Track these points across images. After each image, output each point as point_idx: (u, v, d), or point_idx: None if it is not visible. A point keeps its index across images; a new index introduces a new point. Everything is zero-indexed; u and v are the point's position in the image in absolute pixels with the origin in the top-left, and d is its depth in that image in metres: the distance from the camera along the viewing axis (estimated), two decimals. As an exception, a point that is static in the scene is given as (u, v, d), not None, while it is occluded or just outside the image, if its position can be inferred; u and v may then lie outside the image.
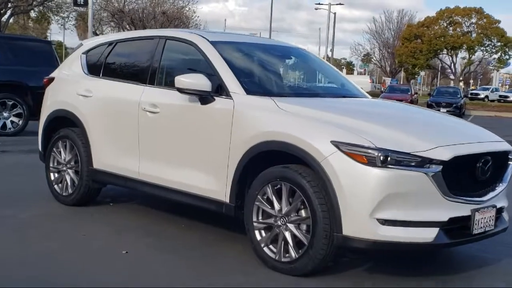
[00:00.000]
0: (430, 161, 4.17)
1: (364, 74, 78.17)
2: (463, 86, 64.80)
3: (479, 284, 4.68)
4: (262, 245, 4.65)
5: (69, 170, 6.35)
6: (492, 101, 56.53)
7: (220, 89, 5.06)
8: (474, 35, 62.15)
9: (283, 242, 4.52)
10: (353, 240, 4.19)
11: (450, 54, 65.44)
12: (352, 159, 4.16)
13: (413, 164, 4.15)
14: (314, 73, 6.65)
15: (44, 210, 6.17)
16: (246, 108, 4.85)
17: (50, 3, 41.28)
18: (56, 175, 6.50)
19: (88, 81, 6.27)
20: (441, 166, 4.18)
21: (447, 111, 29.17)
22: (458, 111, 31.83)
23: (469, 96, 54.87)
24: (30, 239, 5.16)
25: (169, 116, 5.38)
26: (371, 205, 4.10)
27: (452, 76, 68.58)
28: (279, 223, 4.55)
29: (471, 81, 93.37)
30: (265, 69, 5.80)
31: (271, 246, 4.62)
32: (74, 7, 35.35)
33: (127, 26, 40.80)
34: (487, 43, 62.51)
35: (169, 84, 5.50)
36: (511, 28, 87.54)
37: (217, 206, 4.99)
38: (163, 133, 5.43)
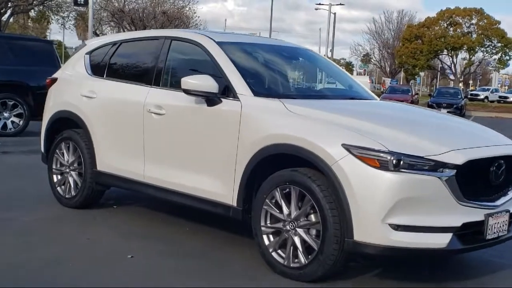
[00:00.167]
0: (444, 165, 4.08)
1: (364, 74, 78.08)
2: (462, 87, 64.69)
3: (492, 290, 4.61)
4: (270, 250, 4.56)
5: (72, 172, 6.26)
6: (492, 102, 56.52)
7: (227, 91, 4.97)
8: (474, 35, 62.08)
9: (292, 247, 4.43)
10: (364, 246, 4.10)
11: (450, 54, 65.37)
12: (363, 163, 4.07)
13: (426, 168, 4.06)
14: (320, 74, 6.56)
15: (47, 213, 6.07)
16: (254, 110, 4.76)
17: (50, 2, 41.18)
18: (59, 177, 6.40)
19: (92, 82, 6.17)
20: (455, 170, 4.09)
21: (448, 112, 29.08)
22: (459, 112, 31.74)
23: (469, 97, 54.80)
24: (35, 244, 5.06)
25: (174, 118, 5.29)
26: (383, 210, 4.01)
27: (452, 77, 68.47)
28: (288, 227, 4.46)
29: (471, 82, 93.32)
30: (272, 70, 5.71)
31: (279, 251, 4.53)
32: (74, 7, 35.31)
33: (127, 26, 40.69)
34: (488, 43, 62.46)
35: (175, 85, 5.42)
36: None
37: (224, 209, 4.90)
38: (169, 135, 5.33)
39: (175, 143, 5.29)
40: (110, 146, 5.85)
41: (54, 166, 6.44)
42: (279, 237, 4.52)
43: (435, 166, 4.07)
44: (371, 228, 4.06)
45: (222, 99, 4.94)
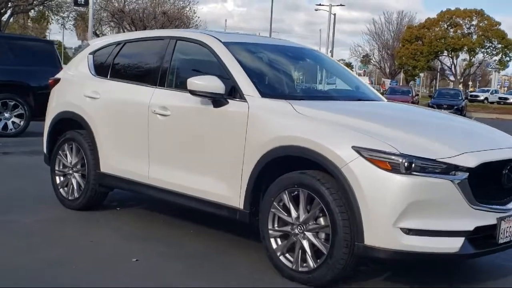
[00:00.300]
0: (456, 168, 4.01)
1: (363, 75, 78.01)
2: (462, 88, 64.63)
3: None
4: (278, 253, 4.48)
5: (75, 174, 6.17)
6: (492, 103, 56.48)
7: (233, 92, 4.89)
8: (474, 37, 62.05)
9: (300, 251, 4.35)
10: (375, 250, 4.01)
11: (450, 56, 65.33)
12: (374, 166, 3.99)
13: (438, 171, 3.99)
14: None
15: (50, 215, 6.00)
16: (262, 111, 4.69)
17: (50, 2, 41.09)
18: (62, 178, 6.32)
19: (96, 82, 6.09)
20: (467, 173, 4.02)
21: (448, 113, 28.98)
22: (460, 113, 31.64)
23: (469, 98, 54.77)
24: (36, 246, 4.98)
25: (180, 119, 5.22)
26: (394, 213, 3.93)
27: (452, 78, 68.41)
28: (296, 231, 4.38)
29: (470, 83, 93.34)
30: (279, 71, 5.64)
31: (287, 255, 4.46)
32: (74, 7, 35.25)
33: (127, 26, 40.59)
34: (488, 45, 62.44)
35: (180, 86, 5.34)
36: None
37: (231, 212, 4.82)
38: (174, 136, 5.26)
39: (180, 144, 5.22)
40: (114, 147, 5.77)
41: (56, 168, 6.35)
42: (287, 241, 4.45)
43: (447, 169, 3.99)
44: (382, 232, 3.98)
45: (229, 100, 4.86)
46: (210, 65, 5.30)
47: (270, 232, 4.53)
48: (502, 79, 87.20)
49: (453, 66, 66.91)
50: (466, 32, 62.60)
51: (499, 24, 61.23)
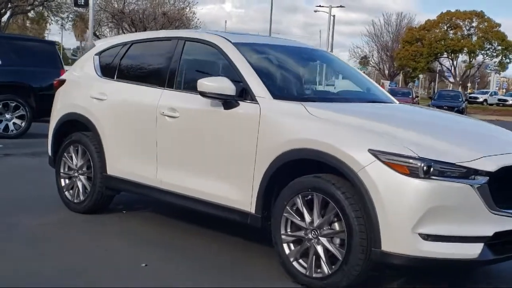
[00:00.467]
0: (476, 172, 3.91)
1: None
2: (460, 90, 64.61)
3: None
4: (291, 259, 4.38)
5: (81, 176, 6.07)
6: (491, 105, 56.49)
7: (244, 93, 4.79)
8: (474, 38, 62.01)
9: (314, 257, 4.25)
10: (392, 256, 3.92)
11: (450, 57, 65.29)
12: (392, 170, 3.89)
13: (457, 175, 3.89)
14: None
15: (55, 218, 5.90)
16: (274, 114, 4.59)
17: (50, 3, 40.96)
18: (67, 181, 6.21)
19: (102, 84, 5.99)
20: (487, 178, 3.92)
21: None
22: (460, 115, 31.56)
23: (468, 99, 54.74)
24: (46, 252, 4.87)
25: (189, 121, 5.12)
26: (413, 219, 3.83)
27: (452, 79, 68.34)
28: (310, 236, 4.28)
29: (469, 85, 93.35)
30: (290, 72, 5.55)
31: (301, 261, 4.36)
32: (74, 8, 35.13)
33: (127, 27, 40.48)
34: (488, 46, 62.41)
35: (189, 87, 5.25)
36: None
37: (242, 216, 4.72)
38: (183, 139, 5.16)
39: (189, 147, 5.12)
40: (121, 150, 5.67)
41: (62, 170, 6.25)
42: (300, 246, 4.35)
43: (466, 173, 3.90)
44: (399, 237, 3.88)
45: (240, 102, 4.77)
46: (220, 66, 5.23)
47: (283, 237, 4.44)
48: (501, 80, 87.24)
49: (452, 67, 66.86)
50: (466, 34, 62.55)
51: (499, 25, 61.21)
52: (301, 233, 4.34)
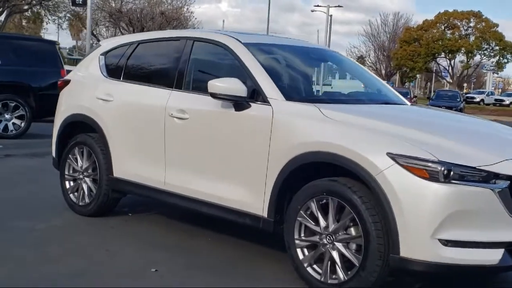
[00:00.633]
0: (496, 176, 3.82)
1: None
2: (457, 89, 64.61)
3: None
4: (305, 264, 4.29)
5: (86, 179, 5.96)
6: (488, 104, 56.49)
7: (255, 95, 4.69)
8: (472, 38, 62.02)
9: (329, 262, 4.16)
10: (411, 262, 3.82)
11: (448, 57, 65.29)
12: (411, 173, 3.79)
13: (477, 179, 3.80)
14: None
15: (60, 221, 5.79)
16: (287, 116, 4.49)
17: (47, 2, 40.76)
18: (72, 183, 6.11)
19: (108, 84, 5.87)
20: (508, 182, 3.83)
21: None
22: (459, 115, 31.53)
23: (465, 99, 54.73)
24: (53, 256, 4.77)
25: (199, 123, 5.02)
26: (433, 224, 3.74)
27: (449, 79, 68.36)
28: (325, 241, 4.18)
29: (465, 85, 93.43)
30: (302, 73, 5.44)
31: (315, 266, 4.26)
32: (72, 7, 34.95)
33: (125, 26, 40.31)
34: (485, 47, 62.44)
35: (198, 88, 5.15)
36: (510, 32, 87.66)
37: (253, 220, 4.62)
38: (193, 141, 5.06)
39: (199, 149, 5.01)
40: (128, 152, 5.56)
41: (66, 172, 6.14)
42: (315, 251, 4.25)
43: (487, 177, 3.81)
44: (419, 243, 3.78)
45: (251, 104, 4.67)
46: (229, 66, 5.12)
47: (297, 242, 4.34)
48: (497, 80, 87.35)
49: (450, 68, 66.87)
50: (463, 34, 62.56)
51: (497, 26, 61.24)
52: (316, 238, 4.24)
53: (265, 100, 4.63)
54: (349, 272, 4.06)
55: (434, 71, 75.38)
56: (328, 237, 4.17)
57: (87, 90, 6.04)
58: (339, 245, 4.12)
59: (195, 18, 45.04)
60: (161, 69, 5.69)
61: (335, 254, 4.13)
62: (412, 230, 3.78)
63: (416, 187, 3.78)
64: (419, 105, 6.12)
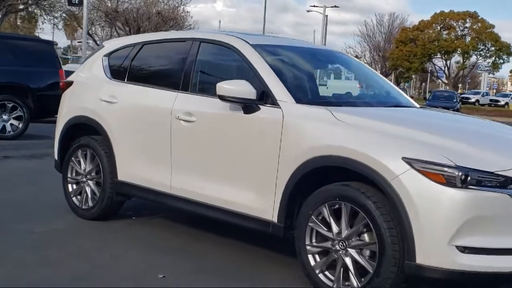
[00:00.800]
0: None
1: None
2: (453, 90, 64.68)
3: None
4: (317, 271, 4.20)
5: (90, 182, 5.86)
6: (483, 105, 56.59)
7: (265, 97, 4.60)
8: (468, 39, 62.09)
9: (342, 269, 4.07)
10: (428, 270, 3.73)
11: (444, 58, 65.34)
12: (427, 179, 3.71)
13: (495, 184, 3.72)
14: (357, 79, 6.18)
15: (63, 224, 5.69)
16: (297, 119, 4.39)
17: (43, 2, 40.55)
18: (75, 186, 6.00)
19: (112, 86, 5.77)
20: (526, 187, 3.75)
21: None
22: (456, 116, 31.50)
23: (461, 100, 54.78)
24: (55, 260, 4.68)
25: (206, 126, 4.92)
26: (450, 230, 3.66)
27: (445, 80, 68.41)
28: (337, 247, 4.09)
29: (460, 85, 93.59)
30: (311, 75, 5.35)
31: (327, 273, 4.17)
32: (68, 7, 34.75)
33: (121, 26, 40.13)
34: (481, 47, 62.52)
35: (205, 90, 5.07)
36: (505, 33, 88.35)
37: (263, 225, 4.53)
38: (200, 144, 4.96)
39: (206, 152, 4.92)
40: (133, 155, 5.46)
41: (69, 175, 6.03)
42: (327, 257, 4.16)
43: (505, 182, 3.73)
44: (435, 250, 3.70)
45: (260, 106, 4.57)
46: (237, 68, 5.04)
47: (308, 248, 4.25)
48: (491, 81, 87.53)
49: (446, 68, 66.92)
50: (459, 34, 62.62)
51: (493, 26, 61.31)
52: (328, 244, 4.16)
53: (274, 103, 4.53)
54: (362, 279, 3.97)
55: (429, 71, 75.46)
56: (341, 243, 4.08)
57: (90, 92, 5.94)
58: (352, 251, 4.03)
59: (192, 18, 44.88)
60: (167, 71, 5.59)
61: (348, 261, 4.04)
62: (429, 236, 3.70)
63: (432, 192, 3.69)
64: (428, 108, 6.01)
